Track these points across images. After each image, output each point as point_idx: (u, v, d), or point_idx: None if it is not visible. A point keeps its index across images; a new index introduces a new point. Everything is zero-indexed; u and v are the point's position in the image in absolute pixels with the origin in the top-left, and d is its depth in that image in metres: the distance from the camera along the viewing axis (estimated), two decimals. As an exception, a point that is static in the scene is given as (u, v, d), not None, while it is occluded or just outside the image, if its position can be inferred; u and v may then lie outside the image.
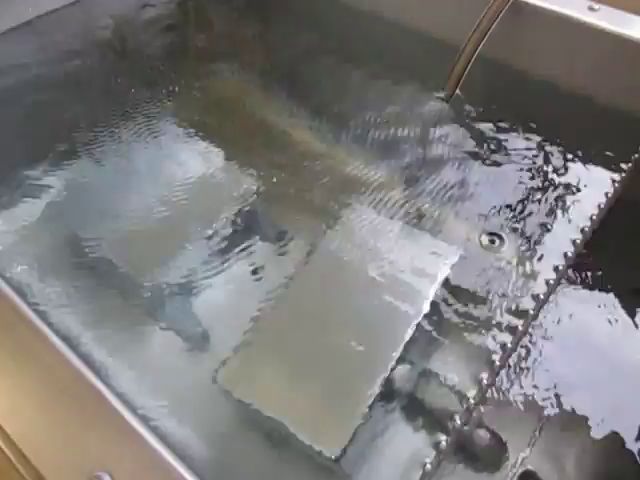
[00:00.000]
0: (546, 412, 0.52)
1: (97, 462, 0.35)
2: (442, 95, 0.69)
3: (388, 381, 0.45)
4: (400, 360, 0.46)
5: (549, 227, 0.60)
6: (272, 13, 0.92)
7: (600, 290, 0.61)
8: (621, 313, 0.59)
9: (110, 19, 0.84)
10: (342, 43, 0.82)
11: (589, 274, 0.61)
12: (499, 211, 0.62)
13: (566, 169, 0.66)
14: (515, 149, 0.68)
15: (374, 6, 0.81)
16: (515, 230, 0.61)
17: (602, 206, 0.61)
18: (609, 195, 0.62)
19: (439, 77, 0.69)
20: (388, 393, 0.47)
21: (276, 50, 0.87)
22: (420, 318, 0.48)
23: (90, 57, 0.79)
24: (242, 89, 0.81)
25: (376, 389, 0.44)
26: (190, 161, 0.63)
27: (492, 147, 0.69)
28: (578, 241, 0.58)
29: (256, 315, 0.49)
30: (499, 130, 0.70)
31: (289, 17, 0.91)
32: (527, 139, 0.69)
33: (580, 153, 0.66)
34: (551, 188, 0.64)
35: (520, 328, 0.53)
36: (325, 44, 0.83)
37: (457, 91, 0.68)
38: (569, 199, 0.63)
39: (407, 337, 0.47)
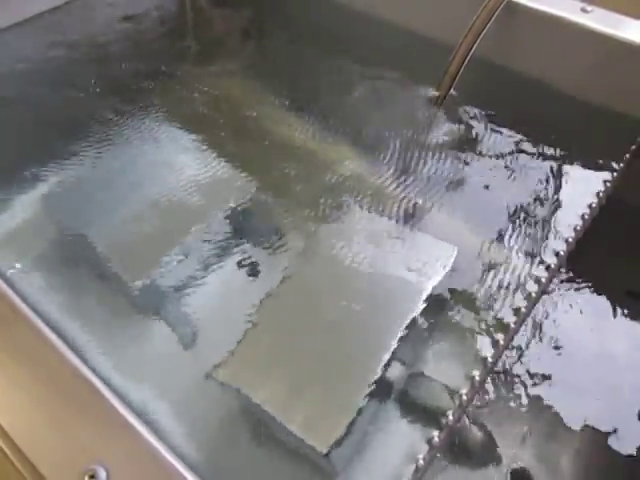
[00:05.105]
0: (538, 410, 0.53)
1: (93, 456, 0.35)
2: (436, 95, 0.70)
3: (381, 377, 0.45)
4: (394, 357, 0.46)
5: (541, 226, 0.61)
6: (269, 13, 0.93)
7: (592, 289, 0.61)
8: (613, 312, 0.59)
9: (109, 17, 0.84)
10: (338, 43, 0.82)
11: (581, 273, 0.61)
12: (491, 210, 0.63)
13: (558, 168, 0.66)
14: (508, 149, 0.69)
15: (369, 6, 0.81)
16: (507, 229, 0.61)
17: (594, 205, 0.61)
18: (601, 195, 0.62)
19: (433, 77, 0.70)
20: (381, 389, 0.47)
21: (273, 50, 0.88)
22: (414, 316, 0.48)
23: (89, 55, 0.80)
24: (238, 89, 0.82)
25: (369, 385, 0.44)
26: (186, 161, 0.63)
27: (486, 147, 0.69)
28: (570, 240, 0.59)
29: (252, 313, 0.49)
30: (492, 130, 0.71)
31: (285, 17, 0.91)
32: (520, 139, 0.69)
33: (572, 153, 0.67)
34: (543, 187, 0.64)
35: (512, 326, 0.54)
36: (321, 45, 0.83)
37: (451, 91, 0.69)
38: (561, 198, 0.63)
39: (401, 334, 0.47)
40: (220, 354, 0.46)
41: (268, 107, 0.78)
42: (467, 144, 0.69)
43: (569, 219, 0.61)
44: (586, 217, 0.60)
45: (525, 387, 0.54)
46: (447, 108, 0.71)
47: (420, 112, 0.72)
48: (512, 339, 0.55)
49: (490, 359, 0.51)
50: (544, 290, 0.58)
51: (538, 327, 0.57)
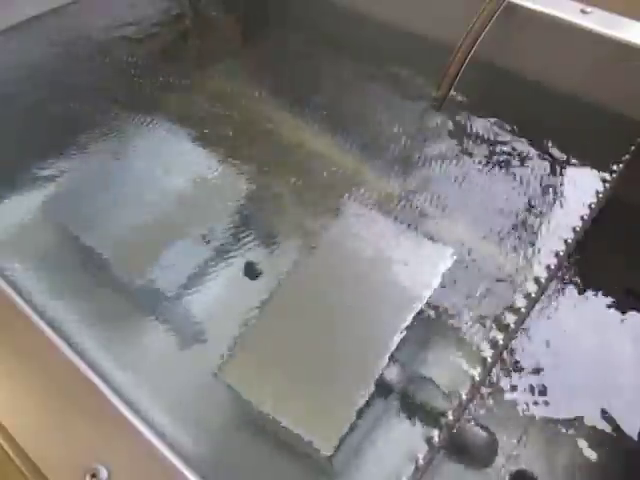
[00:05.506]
0: (538, 410, 0.53)
1: (95, 456, 0.36)
2: (436, 96, 0.70)
3: (381, 378, 0.45)
4: (394, 357, 0.46)
5: (540, 226, 0.61)
6: (268, 15, 0.93)
7: (591, 289, 0.61)
8: (613, 312, 0.59)
9: (109, 19, 0.85)
10: (337, 44, 0.83)
11: (580, 273, 0.61)
12: (491, 211, 0.63)
13: (558, 169, 0.66)
14: (507, 150, 0.69)
15: (369, 8, 0.81)
16: (507, 229, 0.61)
17: (593, 206, 0.61)
18: (600, 195, 0.62)
19: (433, 78, 0.70)
20: (381, 389, 0.47)
21: (272, 51, 0.88)
22: (414, 316, 0.48)
23: (88, 57, 0.80)
24: (237, 90, 0.82)
25: (369, 385, 0.44)
26: (186, 161, 0.63)
27: (485, 148, 0.69)
28: (569, 240, 0.59)
29: (253, 313, 0.49)
30: (492, 131, 0.71)
31: (285, 19, 0.91)
32: (519, 140, 0.69)
33: (572, 153, 0.67)
34: (543, 188, 0.65)
35: (512, 326, 0.54)
36: (320, 46, 0.84)
37: (451, 92, 0.69)
38: (561, 199, 0.63)
39: (401, 335, 0.47)
40: (220, 354, 0.47)
41: (268, 107, 0.79)
42: (466, 145, 0.70)
43: (569, 220, 0.61)
44: (586, 218, 0.60)
45: (524, 387, 0.54)
46: (447, 109, 0.72)
47: (420, 113, 0.73)
48: (512, 339, 0.55)
49: (489, 359, 0.51)
50: (544, 290, 0.58)
51: (538, 327, 0.58)
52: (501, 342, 0.53)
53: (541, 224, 0.61)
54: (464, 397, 0.49)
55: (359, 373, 0.45)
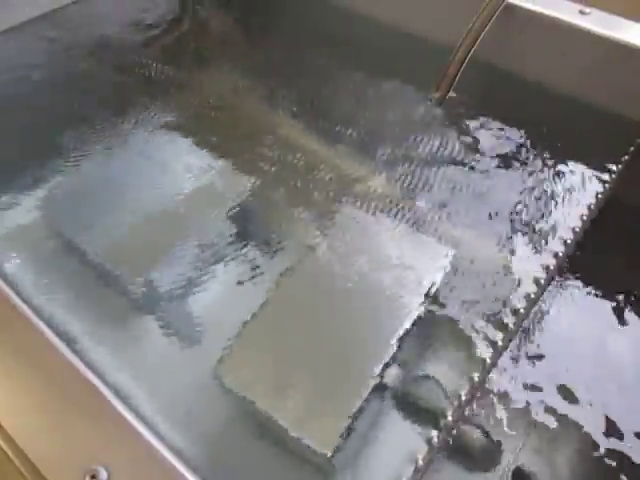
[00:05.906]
0: (538, 411, 0.53)
1: (94, 456, 0.36)
2: (435, 97, 0.70)
3: (381, 378, 0.45)
4: (393, 357, 0.46)
5: (540, 227, 0.61)
6: (268, 16, 0.93)
7: (591, 290, 0.61)
8: (612, 313, 0.59)
9: (109, 20, 0.85)
10: (337, 45, 0.83)
11: (580, 274, 0.61)
12: (490, 211, 0.63)
13: (557, 170, 0.66)
14: (507, 150, 0.69)
15: (368, 9, 0.81)
16: (506, 230, 0.61)
17: (593, 207, 0.61)
18: (599, 196, 0.62)
19: (432, 79, 0.70)
20: (381, 390, 0.47)
21: (272, 53, 0.88)
22: (413, 317, 0.48)
23: (88, 59, 0.80)
24: (236, 91, 0.82)
25: (369, 386, 0.44)
26: (186, 162, 0.63)
27: (484, 148, 0.69)
28: (569, 241, 0.59)
29: (252, 313, 0.49)
30: (491, 131, 0.71)
31: (285, 20, 0.91)
32: (519, 140, 0.69)
33: (571, 154, 0.67)
34: (542, 189, 0.65)
35: (511, 327, 0.54)
36: (320, 47, 0.84)
37: (450, 93, 0.69)
38: (560, 200, 0.63)
39: (401, 335, 0.47)
40: (220, 355, 0.47)
41: (267, 108, 0.79)
42: (466, 145, 0.70)
43: (568, 220, 0.61)
44: (585, 218, 0.60)
45: (524, 388, 0.54)
46: (446, 109, 0.72)
47: (419, 114, 0.73)
48: (511, 340, 0.55)
49: (489, 360, 0.51)
50: (543, 291, 0.58)
51: (537, 327, 0.57)
52: (500, 343, 0.53)
53: (541, 224, 0.61)
54: (464, 397, 0.49)
55: (358, 373, 0.45)
